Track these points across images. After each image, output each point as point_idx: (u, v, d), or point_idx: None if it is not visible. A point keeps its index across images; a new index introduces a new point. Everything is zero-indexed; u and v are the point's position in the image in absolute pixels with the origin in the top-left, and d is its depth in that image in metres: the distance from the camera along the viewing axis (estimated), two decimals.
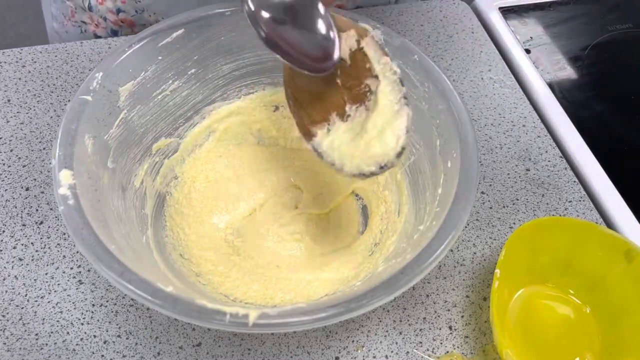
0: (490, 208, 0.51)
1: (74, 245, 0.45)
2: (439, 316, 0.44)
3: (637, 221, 0.50)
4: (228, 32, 0.45)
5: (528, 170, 0.54)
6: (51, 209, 0.48)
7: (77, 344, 0.41)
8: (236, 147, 0.51)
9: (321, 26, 0.36)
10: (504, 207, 0.51)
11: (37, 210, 0.47)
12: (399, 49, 0.43)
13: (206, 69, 0.47)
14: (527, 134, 0.56)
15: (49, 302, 0.43)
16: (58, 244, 0.46)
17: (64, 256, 0.45)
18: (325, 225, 0.48)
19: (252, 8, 0.35)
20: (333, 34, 0.36)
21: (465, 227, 0.49)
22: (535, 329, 0.43)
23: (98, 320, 0.42)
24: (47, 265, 0.44)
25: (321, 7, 0.36)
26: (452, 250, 0.48)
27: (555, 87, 0.62)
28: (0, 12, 1.64)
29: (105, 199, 0.38)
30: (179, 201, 0.47)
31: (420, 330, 0.43)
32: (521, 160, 0.54)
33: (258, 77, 0.50)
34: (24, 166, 0.50)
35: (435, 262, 0.33)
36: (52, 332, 0.41)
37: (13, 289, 0.43)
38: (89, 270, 0.44)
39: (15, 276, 0.44)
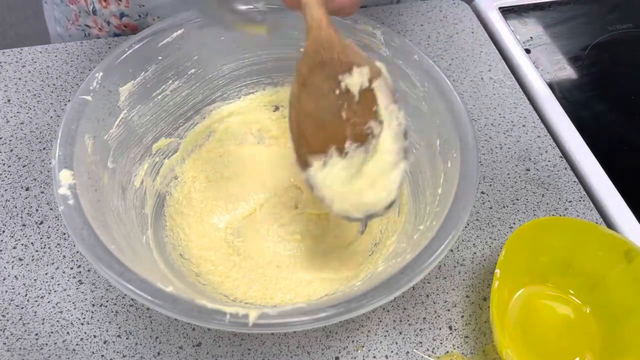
0: (490, 208, 0.51)
1: (74, 245, 0.45)
2: (439, 316, 0.44)
3: (637, 221, 0.50)
4: (228, 32, 0.45)
5: (528, 170, 0.54)
6: (51, 209, 0.48)
7: (77, 344, 0.41)
8: (236, 147, 0.51)
9: None
10: (504, 207, 0.51)
11: (37, 210, 0.47)
12: (399, 49, 0.43)
13: (206, 69, 0.47)
14: (527, 134, 0.56)
15: (49, 302, 0.43)
16: (58, 244, 0.46)
17: (64, 256, 0.45)
18: (325, 225, 0.48)
19: None
20: None
21: (465, 227, 0.49)
22: (535, 329, 0.43)
23: (98, 320, 0.42)
24: (47, 265, 0.44)
25: None
26: (452, 250, 0.48)
27: (555, 87, 0.62)
28: (0, 12, 1.64)
29: (105, 199, 0.38)
30: (179, 201, 0.47)
31: (420, 330, 0.43)
32: (521, 160, 0.54)
33: (258, 77, 0.50)
34: (24, 166, 0.50)
35: (435, 262, 0.33)
36: (52, 332, 0.41)
37: (13, 289, 0.43)
38: (89, 270, 0.44)
39: (15, 276, 0.44)
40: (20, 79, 0.56)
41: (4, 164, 0.50)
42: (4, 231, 0.46)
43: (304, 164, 0.38)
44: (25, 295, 0.43)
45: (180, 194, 0.48)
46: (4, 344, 0.40)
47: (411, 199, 0.44)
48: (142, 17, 0.59)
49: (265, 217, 0.48)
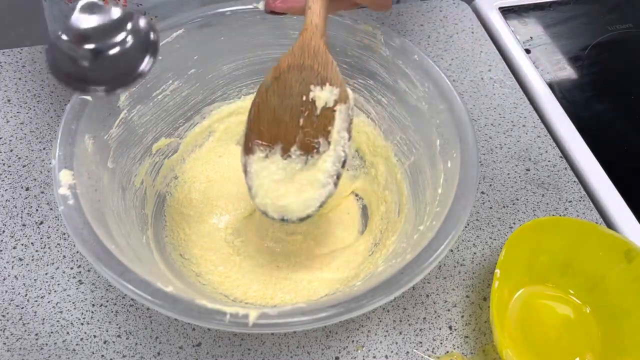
0: (490, 208, 0.51)
1: (74, 245, 0.45)
2: (439, 316, 0.44)
3: (637, 221, 0.50)
4: (228, 32, 0.45)
5: (528, 170, 0.54)
6: (51, 209, 0.48)
7: (77, 344, 0.41)
8: (236, 147, 0.51)
9: None
10: (504, 207, 0.51)
11: (37, 210, 0.47)
12: (399, 49, 0.43)
13: (206, 69, 0.47)
14: (527, 134, 0.56)
15: (49, 302, 0.43)
16: (58, 244, 0.46)
17: (64, 256, 0.45)
18: (325, 225, 0.48)
19: None
20: None
21: (465, 227, 0.49)
22: (535, 329, 0.43)
23: (98, 320, 0.42)
24: (47, 265, 0.44)
25: None
26: (452, 250, 0.48)
27: (555, 87, 0.62)
28: (0, 12, 1.64)
29: (105, 199, 0.38)
30: (179, 201, 0.47)
31: (420, 330, 0.43)
32: (521, 160, 0.54)
33: (258, 77, 0.49)
34: (24, 166, 0.50)
35: (435, 262, 0.33)
36: (52, 332, 0.41)
37: (13, 289, 0.43)
38: (89, 270, 0.44)
39: (15, 276, 0.44)
40: (20, 79, 0.56)
41: (4, 164, 0.50)
42: (4, 231, 0.46)
43: (248, 149, 0.40)
44: (25, 295, 0.43)
45: (181, 194, 0.48)
46: (4, 344, 0.40)
47: (411, 199, 0.44)
48: None
49: (265, 217, 0.48)
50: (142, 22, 0.32)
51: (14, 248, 0.45)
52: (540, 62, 0.64)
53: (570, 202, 0.51)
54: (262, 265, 0.45)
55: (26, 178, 0.49)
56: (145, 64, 0.32)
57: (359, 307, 0.31)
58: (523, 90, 0.61)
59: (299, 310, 0.31)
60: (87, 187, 0.36)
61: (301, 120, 0.39)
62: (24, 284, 0.43)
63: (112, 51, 0.32)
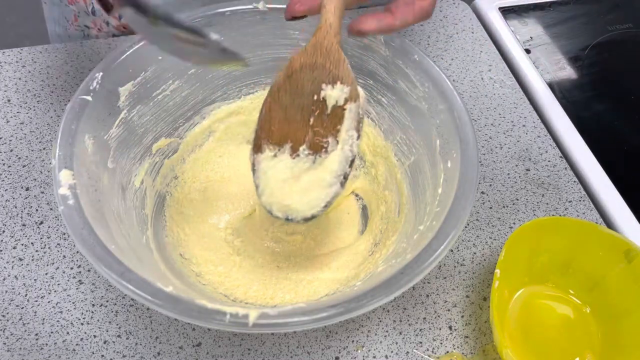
0: (490, 208, 0.51)
1: (74, 245, 0.45)
2: (439, 316, 0.44)
3: (637, 221, 0.50)
4: (228, 32, 0.45)
5: (528, 170, 0.54)
6: (51, 209, 0.48)
7: (77, 344, 0.41)
8: (236, 147, 0.51)
9: None
10: (504, 207, 0.51)
11: (37, 210, 0.47)
12: (399, 49, 0.43)
13: (206, 69, 0.47)
14: (527, 134, 0.56)
15: (49, 302, 0.43)
16: (58, 244, 0.46)
17: (64, 256, 0.45)
18: (325, 225, 0.48)
19: None
20: None
21: (465, 227, 0.49)
22: (535, 329, 0.43)
23: (98, 320, 0.42)
24: (47, 265, 0.44)
25: None
26: (452, 250, 0.48)
27: (555, 87, 0.62)
28: (0, 12, 1.64)
29: (105, 199, 0.38)
30: (179, 201, 0.47)
31: (420, 330, 0.43)
32: (521, 160, 0.54)
33: (258, 77, 0.50)
34: (24, 166, 0.50)
35: (435, 262, 0.33)
36: (52, 332, 0.41)
37: (13, 289, 0.43)
38: (89, 270, 0.44)
39: (15, 276, 0.44)
40: (20, 79, 0.56)
41: (4, 164, 0.50)
42: (4, 231, 0.46)
43: (257, 148, 0.40)
44: (25, 295, 0.43)
45: (180, 194, 0.48)
46: (4, 344, 0.40)
47: (411, 199, 0.44)
48: None
49: (265, 217, 0.48)
50: None
51: (14, 248, 0.45)
52: (540, 62, 0.64)
53: (570, 202, 0.51)
54: (262, 265, 0.45)
55: (26, 178, 0.49)
56: None
57: (359, 307, 0.31)
58: (523, 90, 0.61)
59: (299, 310, 0.31)
60: (87, 187, 0.36)
61: (312, 119, 0.39)
62: (24, 284, 0.43)
63: None
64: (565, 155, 0.56)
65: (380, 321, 0.43)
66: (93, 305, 0.43)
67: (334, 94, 0.38)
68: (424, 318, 0.44)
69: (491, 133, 0.56)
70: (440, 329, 0.43)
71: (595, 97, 0.62)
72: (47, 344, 0.41)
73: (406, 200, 0.44)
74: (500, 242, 0.48)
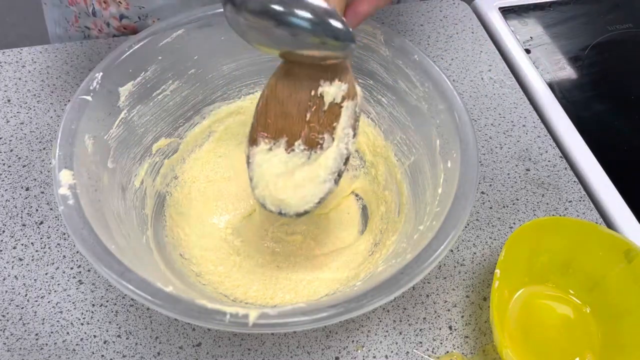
0: (490, 208, 0.51)
1: (74, 245, 0.45)
2: (439, 316, 0.44)
3: (637, 221, 0.50)
4: (228, 32, 0.45)
5: (528, 170, 0.54)
6: (51, 209, 0.48)
7: (77, 344, 0.41)
8: (236, 147, 0.51)
9: None
10: (504, 207, 0.51)
11: (37, 210, 0.47)
12: (399, 49, 0.43)
13: (206, 69, 0.47)
14: (527, 134, 0.56)
15: (49, 302, 0.43)
16: (58, 244, 0.46)
17: (64, 256, 0.45)
18: (325, 225, 0.48)
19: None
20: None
21: (465, 227, 0.49)
22: (535, 329, 0.43)
23: (98, 320, 0.42)
24: (47, 265, 0.44)
25: None
26: (452, 250, 0.48)
27: (555, 87, 0.62)
28: (0, 12, 1.64)
29: (105, 199, 0.38)
30: (179, 201, 0.47)
31: (420, 330, 0.43)
32: (521, 160, 0.54)
33: (258, 77, 0.50)
34: (24, 166, 0.50)
35: (435, 262, 0.33)
36: (52, 332, 0.41)
37: (13, 289, 0.43)
38: (89, 270, 0.44)
39: (15, 276, 0.44)
40: (20, 79, 0.56)
41: (4, 164, 0.50)
42: (4, 231, 0.46)
43: (253, 140, 0.40)
44: (25, 295, 0.43)
45: (180, 194, 0.48)
46: (4, 344, 0.40)
47: (411, 199, 0.44)
48: (142, 18, 0.59)
49: (265, 217, 0.48)
50: None
51: (14, 248, 0.45)
52: (540, 62, 0.64)
53: (570, 202, 0.51)
54: (262, 265, 0.45)
55: (26, 178, 0.49)
56: None
57: (359, 307, 0.31)
58: (523, 90, 0.61)
59: (299, 310, 0.31)
60: (87, 187, 0.36)
61: (308, 115, 0.39)
62: (24, 284, 0.43)
63: None
64: (565, 155, 0.56)
65: (380, 321, 0.43)
66: (93, 305, 0.43)
67: (331, 90, 0.38)
68: (424, 318, 0.44)
69: (491, 133, 0.56)
70: (440, 329, 0.43)
71: (595, 97, 0.62)
72: (47, 344, 0.41)
73: (406, 200, 0.44)
74: (500, 242, 0.48)
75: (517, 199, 0.51)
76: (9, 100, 0.54)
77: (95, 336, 0.41)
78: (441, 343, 0.42)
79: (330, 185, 0.38)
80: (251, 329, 0.30)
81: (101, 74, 0.40)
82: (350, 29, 0.34)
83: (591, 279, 0.44)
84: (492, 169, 0.53)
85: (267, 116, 0.40)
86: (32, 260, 0.45)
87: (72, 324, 0.42)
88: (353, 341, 0.42)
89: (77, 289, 0.43)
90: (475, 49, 0.64)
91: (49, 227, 0.47)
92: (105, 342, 0.41)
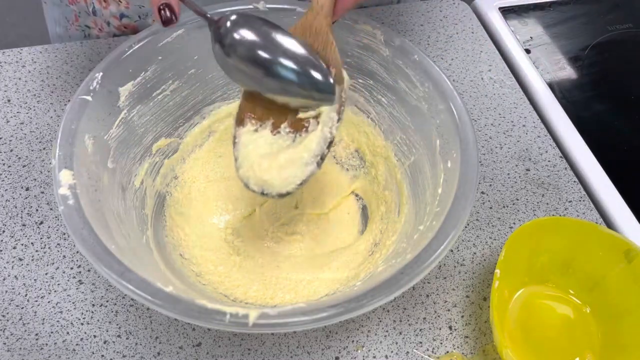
0: (490, 208, 0.51)
1: (74, 245, 0.45)
2: (439, 316, 0.44)
3: (637, 221, 0.50)
4: None
5: (528, 170, 0.54)
6: (51, 209, 0.48)
7: (77, 344, 0.41)
8: None
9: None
10: (504, 207, 0.51)
11: (37, 210, 0.47)
12: (399, 49, 0.43)
13: (206, 69, 0.47)
14: (527, 134, 0.56)
15: (49, 302, 0.43)
16: (58, 244, 0.46)
17: (64, 256, 0.45)
18: (325, 225, 0.48)
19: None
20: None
21: (465, 227, 0.49)
22: (535, 329, 0.43)
23: (98, 320, 0.42)
24: (47, 265, 0.44)
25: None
26: (452, 250, 0.48)
27: (555, 87, 0.62)
28: (1, 12, 1.64)
29: (105, 199, 0.38)
30: (179, 201, 0.47)
31: (420, 330, 0.43)
32: (521, 160, 0.54)
33: None
34: (24, 166, 0.50)
35: (435, 262, 0.33)
36: (52, 332, 0.41)
37: (13, 289, 0.43)
38: (89, 270, 0.44)
39: (15, 276, 0.44)
40: (20, 79, 0.56)
41: (4, 164, 0.50)
42: (4, 231, 0.46)
43: (240, 121, 0.40)
44: (25, 295, 0.43)
45: (180, 194, 0.48)
46: (4, 344, 0.40)
47: (411, 199, 0.44)
48: (142, 17, 0.59)
49: (265, 217, 0.48)
50: None
51: (14, 248, 0.45)
52: (540, 62, 0.64)
53: (570, 202, 0.51)
54: (262, 265, 0.45)
55: (26, 178, 0.49)
56: None
57: (359, 307, 0.31)
58: (523, 90, 0.61)
59: (299, 310, 0.31)
60: (87, 187, 0.36)
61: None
62: (24, 284, 0.43)
63: None
64: (565, 155, 0.56)
65: (380, 321, 0.43)
66: (93, 305, 0.43)
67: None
68: (424, 318, 0.44)
69: (491, 133, 0.56)
70: (440, 329, 0.43)
71: (595, 97, 0.62)
72: (47, 344, 0.41)
73: (406, 201, 0.44)
74: (500, 242, 0.48)
75: (517, 199, 0.51)
76: (9, 100, 0.54)
77: (95, 336, 0.41)
78: (441, 343, 0.42)
79: (312, 167, 0.38)
80: (251, 329, 0.30)
81: (101, 74, 0.40)
82: (331, 80, 0.37)
83: (591, 279, 0.44)
84: (492, 169, 0.53)
85: (255, 98, 0.40)
86: (32, 260, 0.45)
87: (72, 324, 0.42)
88: (353, 341, 0.42)
89: (77, 289, 0.43)
90: (475, 49, 0.64)
91: (49, 227, 0.47)
92: (105, 342, 0.41)
